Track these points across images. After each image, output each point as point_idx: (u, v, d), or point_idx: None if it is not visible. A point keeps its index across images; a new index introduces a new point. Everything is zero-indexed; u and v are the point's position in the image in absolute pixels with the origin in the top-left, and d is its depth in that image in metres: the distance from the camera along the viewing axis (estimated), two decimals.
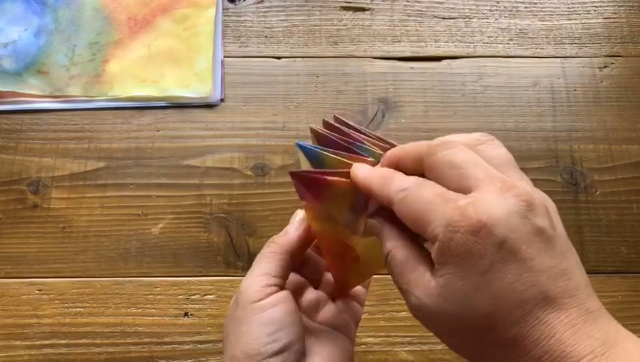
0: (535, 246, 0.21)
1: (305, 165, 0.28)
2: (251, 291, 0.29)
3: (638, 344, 0.21)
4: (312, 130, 0.29)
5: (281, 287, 0.29)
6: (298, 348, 0.28)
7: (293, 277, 0.32)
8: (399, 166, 0.26)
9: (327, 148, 0.28)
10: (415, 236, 0.25)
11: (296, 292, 0.31)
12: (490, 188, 0.22)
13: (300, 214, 0.32)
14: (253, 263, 0.30)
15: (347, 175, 0.27)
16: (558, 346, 0.20)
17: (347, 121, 0.30)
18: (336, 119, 0.30)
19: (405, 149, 0.26)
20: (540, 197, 0.23)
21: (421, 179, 0.24)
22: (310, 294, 0.32)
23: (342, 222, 0.28)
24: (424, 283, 0.23)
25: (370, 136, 0.29)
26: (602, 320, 0.21)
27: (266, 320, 0.28)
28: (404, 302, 0.24)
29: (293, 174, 0.27)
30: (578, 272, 0.22)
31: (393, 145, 0.28)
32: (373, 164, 0.27)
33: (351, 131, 0.29)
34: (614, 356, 0.20)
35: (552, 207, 0.23)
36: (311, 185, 0.27)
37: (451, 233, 0.21)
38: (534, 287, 0.21)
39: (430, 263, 0.23)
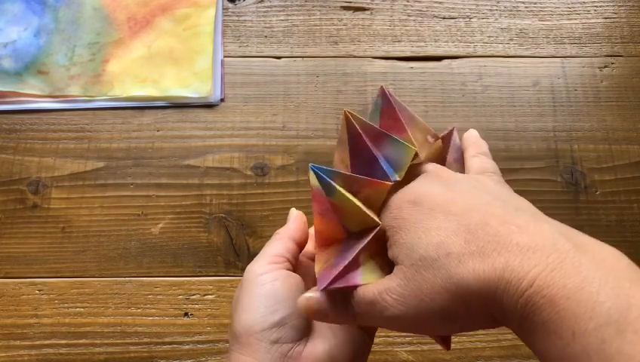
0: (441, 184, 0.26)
1: (315, 184, 0.27)
2: (256, 266, 0.30)
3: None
4: (346, 117, 0.29)
5: (287, 268, 0.30)
6: (296, 324, 0.28)
7: (310, 265, 0.33)
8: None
9: (341, 170, 0.28)
10: None
11: (314, 282, 0.32)
12: None
13: (294, 212, 0.34)
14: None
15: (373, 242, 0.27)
16: (519, 249, 0.21)
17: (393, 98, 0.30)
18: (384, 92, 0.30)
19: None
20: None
21: None
22: None
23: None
24: (391, 283, 0.24)
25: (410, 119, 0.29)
26: (548, 222, 0.23)
27: (265, 291, 0.29)
28: None
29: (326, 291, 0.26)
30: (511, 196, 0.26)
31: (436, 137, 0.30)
32: (395, 186, 0.27)
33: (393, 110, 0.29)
34: (583, 250, 0.21)
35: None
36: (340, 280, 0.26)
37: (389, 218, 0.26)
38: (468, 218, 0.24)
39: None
